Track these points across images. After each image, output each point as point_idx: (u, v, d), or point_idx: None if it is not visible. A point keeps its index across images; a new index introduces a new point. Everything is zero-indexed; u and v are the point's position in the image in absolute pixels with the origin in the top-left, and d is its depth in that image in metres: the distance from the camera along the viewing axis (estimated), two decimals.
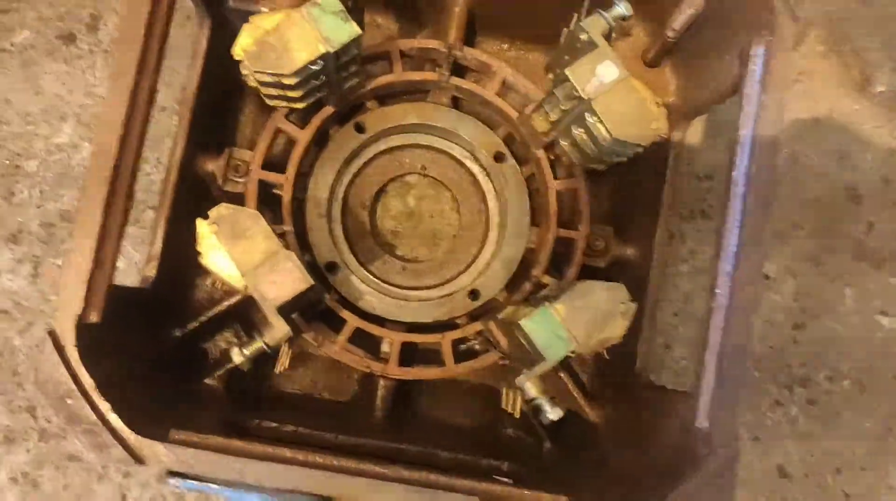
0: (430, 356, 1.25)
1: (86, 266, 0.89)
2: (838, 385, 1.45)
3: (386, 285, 1.29)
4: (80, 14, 1.41)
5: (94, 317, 0.90)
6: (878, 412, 1.44)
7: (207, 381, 1.20)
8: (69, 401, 0.86)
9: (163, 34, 0.93)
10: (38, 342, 1.36)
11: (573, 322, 0.98)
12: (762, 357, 1.44)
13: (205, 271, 1.06)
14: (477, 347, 1.25)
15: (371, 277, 1.29)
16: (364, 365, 1.20)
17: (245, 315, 1.27)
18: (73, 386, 0.86)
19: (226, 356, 1.23)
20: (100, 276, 0.91)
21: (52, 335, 0.87)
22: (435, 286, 1.31)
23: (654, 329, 1.24)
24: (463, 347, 1.25)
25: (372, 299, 1.26)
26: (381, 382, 1.24)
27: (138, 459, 0.87)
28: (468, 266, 1.31)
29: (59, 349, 0.87)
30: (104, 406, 0.87)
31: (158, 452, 0.88)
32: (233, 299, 1.22)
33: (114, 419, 0.87)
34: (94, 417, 0.86)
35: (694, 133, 1.43)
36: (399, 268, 1.31)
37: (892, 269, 1.47)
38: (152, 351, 1.14)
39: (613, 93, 1.01)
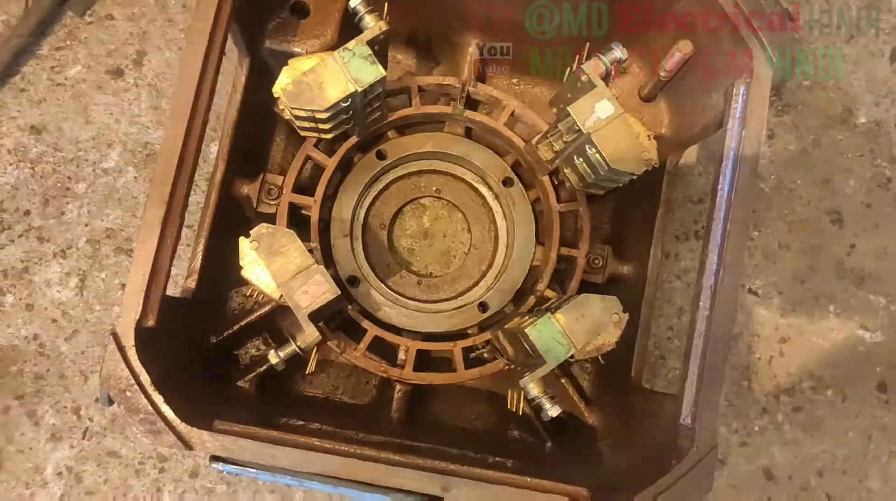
0: (443, 364, 1.37)
1: (144, 279, 1.02)
2: (822, 395, 1.56)
3: (402, 299, 1.41)
4: (128, 51, 1.55)
5: (150, 322, 1.03)
6: (859, 420, 1.56)
7: (240, 383, 1.33)
8: (128, 394, 0.99)
9: (215, 74, 1.06)
10: (84, 348, 1.49)
11: (572, 330, 1.09)
12: (751, 368, 1.55)
13: (244, 283, 1.18)
14: (485, 355, 1.37)
15: (389, 290, 1.41)
16: (382, 370, 1.32)
17: (272, 325, 1.40)
18: (133, 381, 0.99)
19: (256, 361, 1.36)
20: (155, 287, 1.03)
21: (115, 336, 1.00)
22: (447, 300, 1.43)
23: (648, 340, 1.35)
24: (472, 355, 1.36)
25: (390, 310, 1.38)
26: (398, 386, 1.35)
27: (187, 445, 0.99)
28: (478, 281, 1.43)
29: (121, 349, 1.00)
30: (158, 399, 1.00)
31: (204, 439, 1.00)
32: (262, 310, 1.35)
33: (166, 410, 1.00)
34: (150, 408, 0.99)
35: (689, 161, 1.56)
36: (414, 282, 1.43)
37: (871, 287, 1.59)
38: (193, 355, 1.27)
39: (610, 127, 1.13)
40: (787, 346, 1.57)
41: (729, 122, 1.13)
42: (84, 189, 1.52)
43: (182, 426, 1.00)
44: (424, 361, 1.37)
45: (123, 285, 1.47)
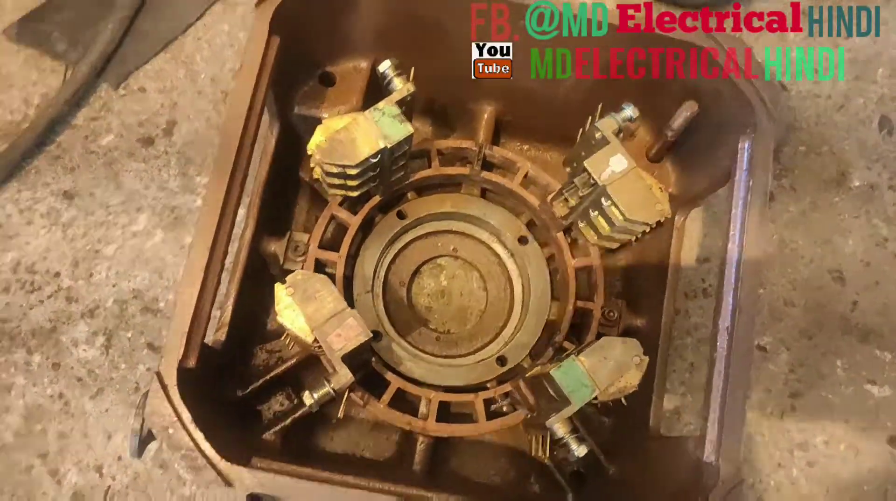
0: (463, 418, 1.40)
1: (187, 321, 1.07)
2: (835, 449, 1.59)
3: (422, 354, 1.45)
4: (159, 121, 1.64)
5: (191, 363, 1.08)
6: (873, 475, 1.58)
7: (265, 436, 1.35)
8: (171, 431, 1.03)
9: (255, 131, 1.15)
10: (108, 406, 1.51)
11: (595, 372, 1.14)
12: (764, 423, 1.59)
13: (269, 338, 1.22)
14: (504, 409, 1.40)
15: (409, 345, 1.45)
16: (405, 422, 1.34)
17: (297, 380, 1.44)
18: (175, 418, 1.03)
19: (279, 415, 1.39)
20: (196, 329, 1.09)
21: (158, 375, 1.04)
22: (466, 355, 1.47)
23: (664, 392, 1.39)
24: (492, 407, 1.39)
25: (410, 364, 1.42)
26: (420, 439, 1.37)
27: (227, 481, 1.02)
28: (496, 336, 1.48)
29: (164, 387, 1.04)
30: (199, 436, 1.03)
31: (243, 476, 1.03)
32: (287, 364, 1.39)
33: (206, 447, 1.03)
34: (191, 444, 1.02)
35: (694, 223, 1.63)
36: (433, 339, 1.48)
37: (876, 342, 1.64)
38: (222, 405, 1.30)
39: (624, 180, 1.21)
40: (797, 401, 1.61)
41: (736, 173, 1.21)
42: (113, 251, 1.58)
43: (222, 463, 1.03)
44: (446, 415, 1.40)
45: (149, 344, 1.52)
